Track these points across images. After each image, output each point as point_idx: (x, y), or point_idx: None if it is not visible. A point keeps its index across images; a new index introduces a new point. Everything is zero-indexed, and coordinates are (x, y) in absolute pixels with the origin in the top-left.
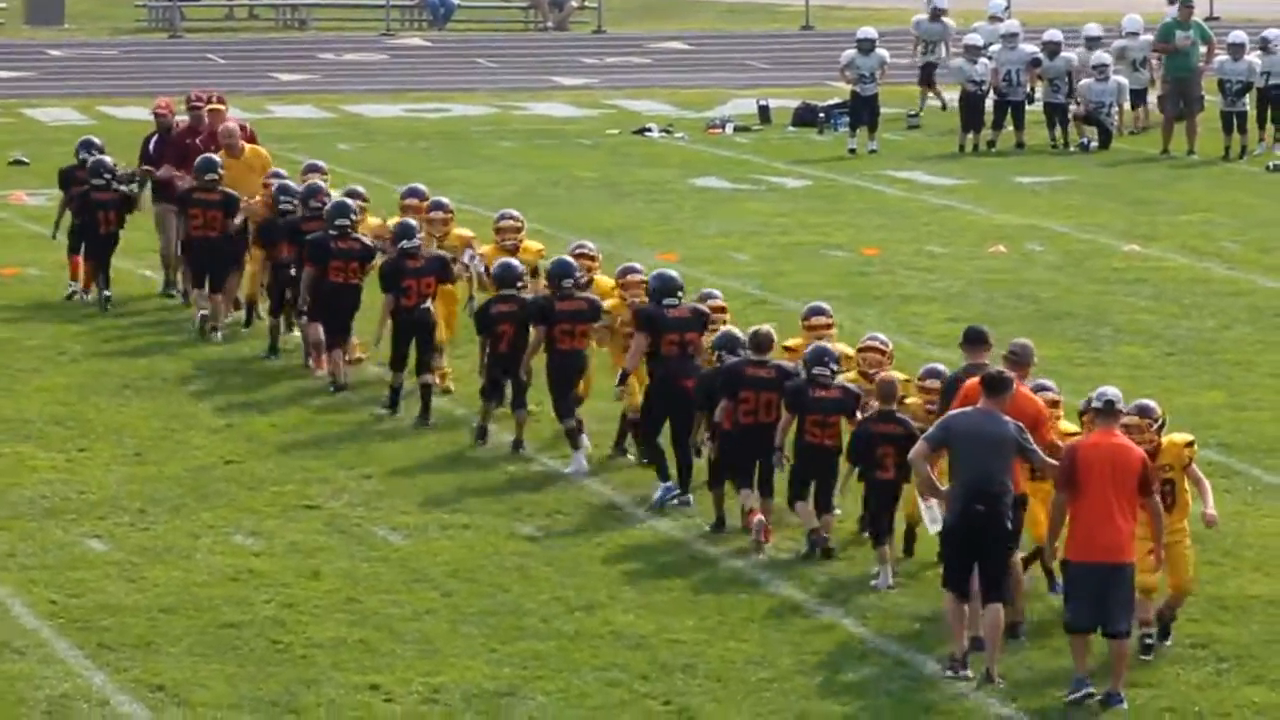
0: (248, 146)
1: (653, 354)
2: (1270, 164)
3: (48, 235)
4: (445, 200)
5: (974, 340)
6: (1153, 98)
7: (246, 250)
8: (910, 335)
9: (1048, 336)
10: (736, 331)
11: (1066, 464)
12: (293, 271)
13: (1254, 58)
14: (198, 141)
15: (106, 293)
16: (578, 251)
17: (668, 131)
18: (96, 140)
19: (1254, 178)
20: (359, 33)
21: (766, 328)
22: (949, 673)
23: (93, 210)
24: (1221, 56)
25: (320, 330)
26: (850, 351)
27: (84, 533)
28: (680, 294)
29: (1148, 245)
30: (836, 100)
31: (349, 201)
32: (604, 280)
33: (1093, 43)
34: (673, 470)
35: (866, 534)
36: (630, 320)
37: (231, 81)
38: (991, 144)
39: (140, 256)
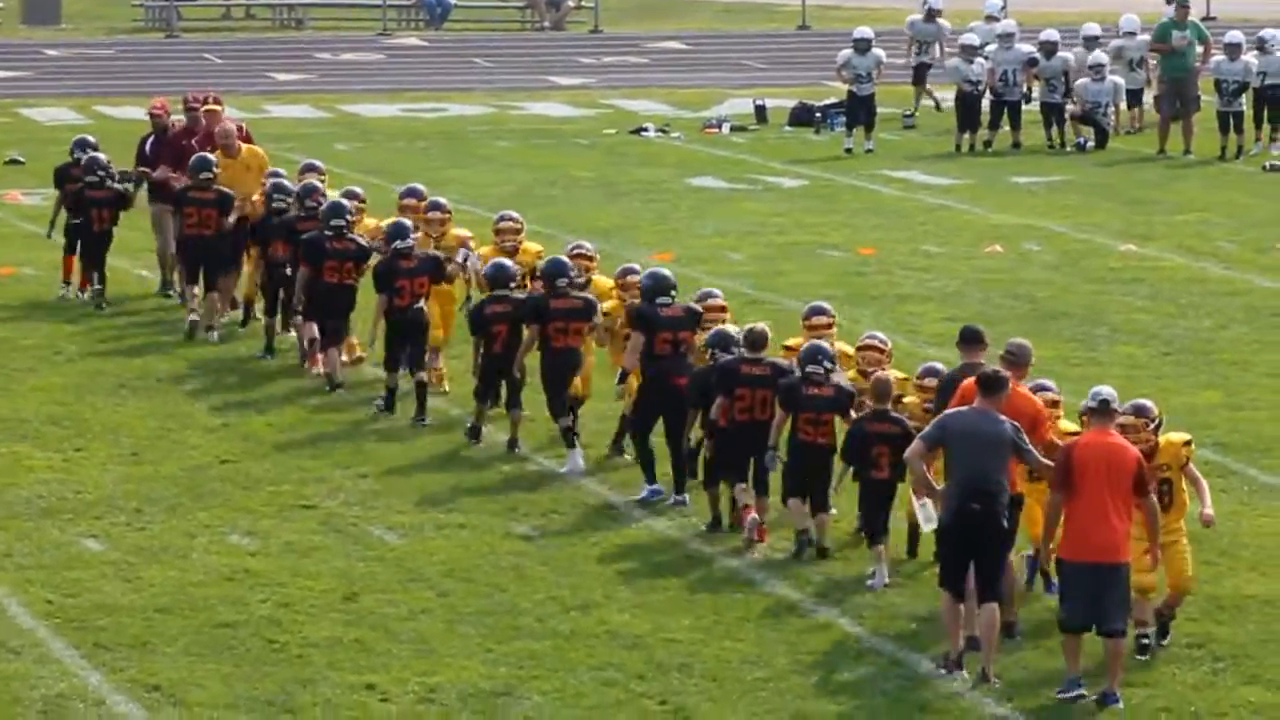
0: (244, 147)
1: (646, 352)
2: (1266, 164)
3: (43, 235)
4: (443, 200)
5: (970, 340)
6: (1149, 98)
7: (244, 250)
8: (906, 335)
9: (1044, 336)
10: (730, 330)
11: (1061, 464)
12: (288, 270)
13: (1250, 58)
14: (194, 142)
15: (99, 286)
16: (575, 252)
17: (664, 131)
18: (91, 139)
19: (1250, 178)
20: (356, 32)
21: (761, 326)
22: (943, 670)
23: (86, 207)
24: (1218, 56)
25: (314, 329)
26: (850, 350)
27: (80, 532)
28: (673, 293)
29: (1144, 245)
30: (833, 100)
31: (344, 202)
32: (602, 281)
33: (1091, 42)
34: (667, 469)
35: (863, 534)
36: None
37: (228, 81)
38: (988, 144)
39: (137, 256)
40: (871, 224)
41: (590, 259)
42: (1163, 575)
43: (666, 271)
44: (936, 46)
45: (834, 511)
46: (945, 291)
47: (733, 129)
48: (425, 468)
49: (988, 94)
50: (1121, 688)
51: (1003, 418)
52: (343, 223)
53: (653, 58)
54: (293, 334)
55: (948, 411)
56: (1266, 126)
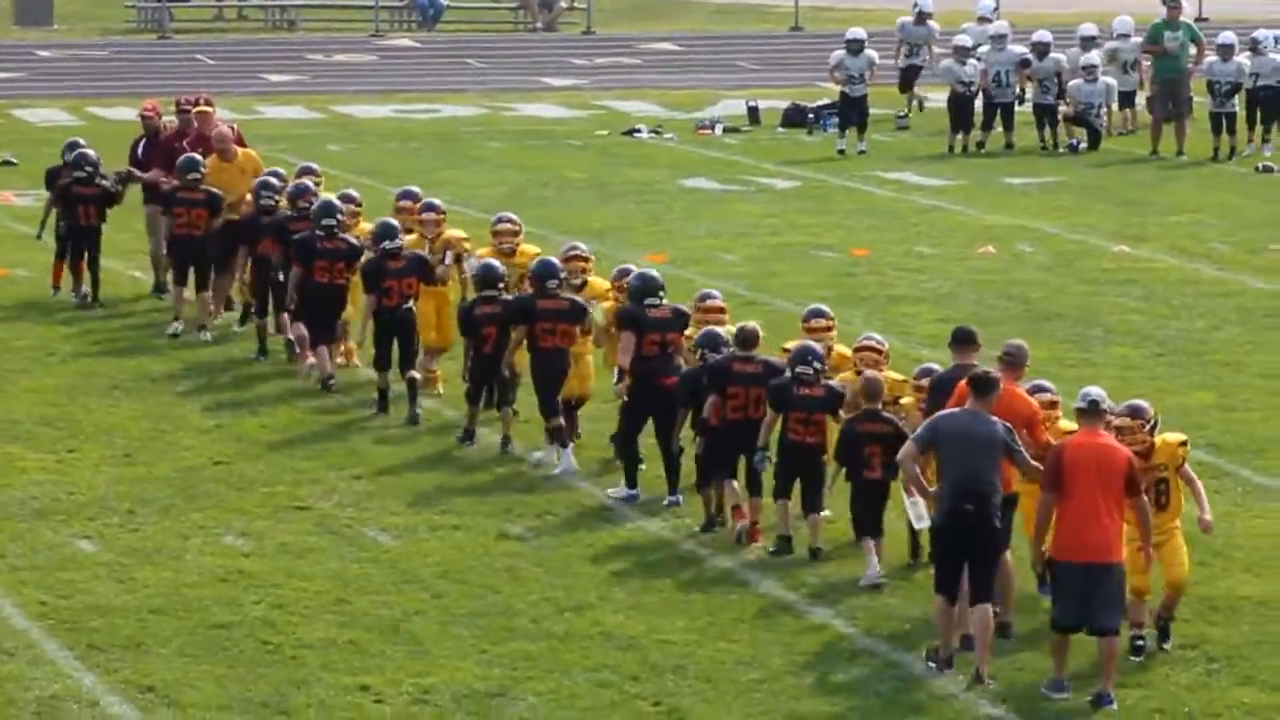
0: (239, 150)
1: (634, 353)
2: (1259, 165)
3: (34, 236)
4: (437, 202)
5: (963, 341)
6: (1141, 99)
7: (234, 254)
8: (900, 336)
9: (1038, 337)
10: (720, 330)
11: (1052, 464)
12: (281, 278)
13: (1243, 59)
14: (185, 144)
15: (85, 290)
16: (571, 254)
17: (657, 132)
18: (83, 142)
19: (1243, 179)
20: (348, 33)
21: (752, 324)
22: (932, 665)
23: (73, 203)
24: (1210, 57)
25: (303, 327)
26: (847, 352)
27: (73, 534)
28: (662, 294)
29: (1137, 246)
30: (826, 101)
31: (335, 201)
32: (598, 282)
33: (1087, 43)
34: (661, 472)
35: (855, 531)
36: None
37: (221, 82)
38: (981, 145)
39: (130, 258)
40: (865, 225)
41: (586, 260)
42: (1159, 575)
43: (655, 273)
44: (926, 49)
45: (828, 513)
46: (939, 293)
47: (726, 130)
48: (419, 469)
49: (980, 95)
50: (1116, 689)
51: (994, 419)
52: (334, 222)
53: (645, 59)
54: (289, 335)
55: (939, 413)
56: (1259, 128)
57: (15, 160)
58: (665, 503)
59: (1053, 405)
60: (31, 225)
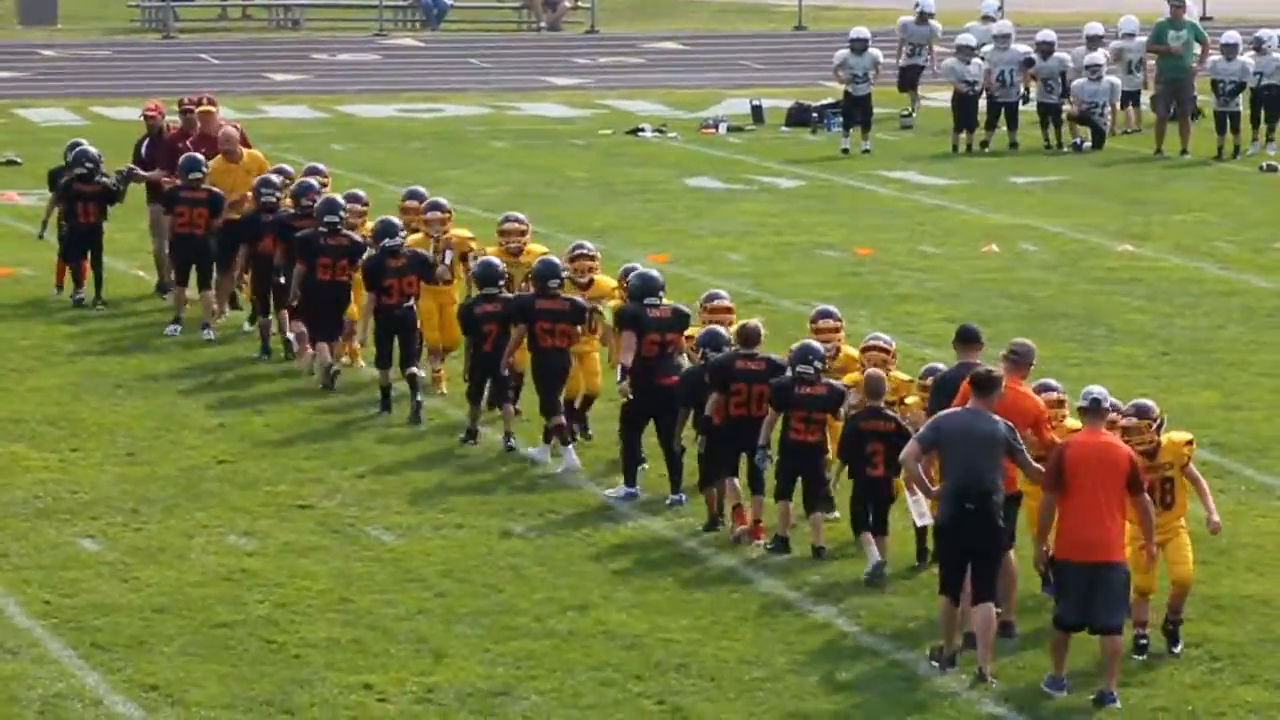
0: (245, 151)
1: (635, 353)
2: (1263, 164)
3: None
4: (442, 200)
5: (967, 339)
6: (1145, 98)
7: (235, 253)
8: (904, 335)
9: (1042, 336)
10: (721, 329)
11: (1054, 463)
12: (281, 280)
13: (1247, 58)
14: (188, 144)
15: (81, 293)
16: (577, 253)
17: (661, 131)
18: (85, 142)
19: (1247, 178)
20: (352, 33)
21: (754, 322)
22: (934, 663)
23: (72, 200)
24: (1214, 56)
25: (301, 325)
26: (855, 354)
27: (77, 532)
28: (661, 293)
29: (1141, 245)
30: (830, 100)
31: (338, 198)
32: (605, 281)
33: (1094, 42)
34: (664, 471)
35: (854, 528)
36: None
37: (224, 82)
38: (985, 144)
39: (133, 257)
40: (869, 224)
41: (592, 259)
42: (1164, 575)
43: (655, 272)
44: (927, 49)
45: (836, 515)
46: (943, 291)
47: (729, 129)
48: (422, 468)
49: (984, 94)
50: (1119, 687)
51: (996, 417)
52: (336, 219)
53: (649, 58)
54: (289, 335)
55: (941, 412)
56: (1263, 127)
57: (19, 160)
58: (668, 502)
59: (1059, 404)
60: (35, 225)
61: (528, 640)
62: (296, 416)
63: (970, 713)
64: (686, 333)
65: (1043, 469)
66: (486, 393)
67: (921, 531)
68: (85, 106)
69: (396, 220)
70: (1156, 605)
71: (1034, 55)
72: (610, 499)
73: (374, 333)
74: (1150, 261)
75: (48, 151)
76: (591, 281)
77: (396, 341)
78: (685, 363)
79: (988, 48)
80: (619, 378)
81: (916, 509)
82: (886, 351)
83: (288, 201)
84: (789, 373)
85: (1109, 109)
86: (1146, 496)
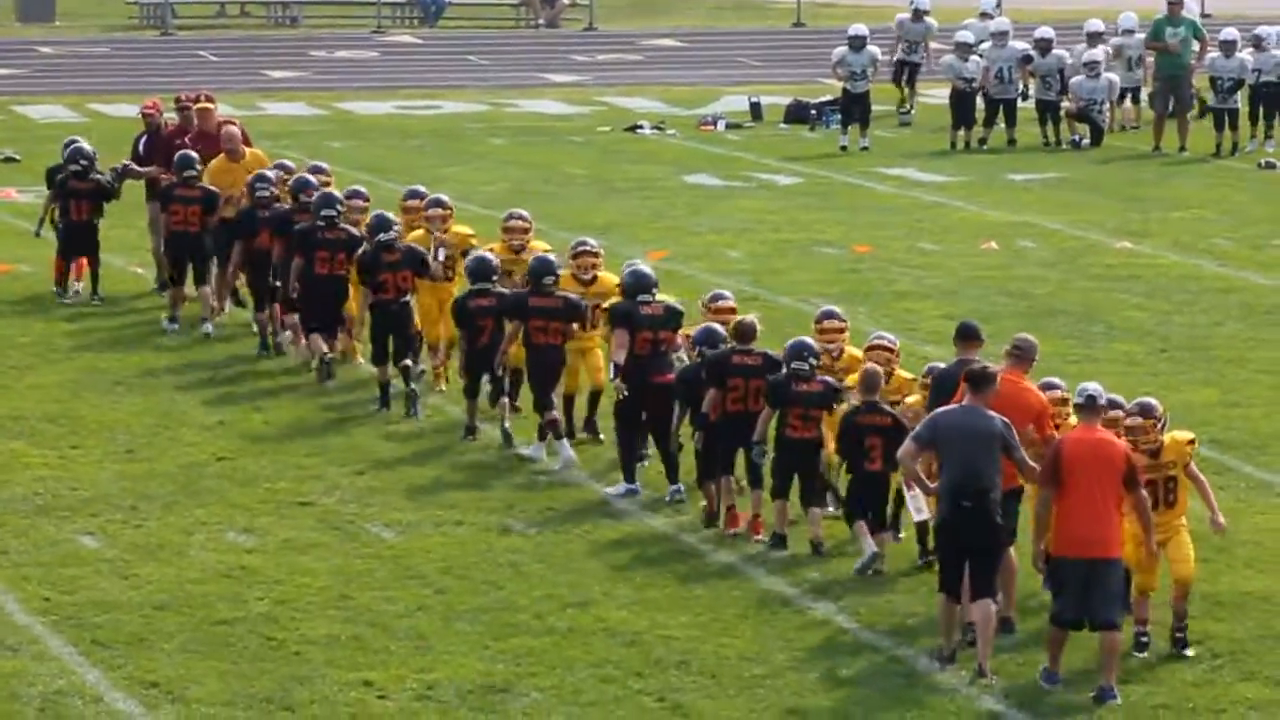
0: (247, 150)
1: (628, 350)
2: (1262, 161)
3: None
4: (444, 197)
5: (966, 336)
6: (1143, 95)
7: (229, 251)
8: (904, 332)
9: (1040, 333)
10: (717, 326)
11: (1050, 460)
12: (277, 282)
13: (1246, 55)
14: (186, 141)
15: (76, 289)
16: (580, 249)
17: (659, 128)
18: (80, 140)
19: (1245, 175)
20: (350, 30)
21: (750, 318)
22: (936, 664)
23: (66, 197)
24: (1213, 53)
25: (295, 318)
26: (859, 354)
27: (77, 530)
28: (654, 291)
29: (1140, 242)
30: (828, 97)
31: (335, 193)
32: (608, 277)
33: (1095, 39)
34: (663, 469)
35: (846, 518)
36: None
37: (223, 79)
38: (983, 141)
39: (132, 254)
40: (867, 221)
41: (595, 255)
42: (1164, 573)
43: (648, 269)
44: (923, 46)
45: (831, 509)
46: (941, 289)
47: (728, 126)
48: (422, 465)
49: (982, 91)
50: (1120, 684)
51: (992, 414)
52: (334, 213)
53: (647, 55)
54: (288, 334)
55: (938, 410)
56: (1262, 124)
57: (18, 156)
58: (668, 494)
59: (1063, 402)
60: (34, 222)
61: (527, 637)
62: (296, 413)
63: (970, 709)
64: (683, 331)
65: (1037, 468)
66: (484, 389)
67: (922, 527)
68: (83, 103)
69: (391, 215)
70: (1157, 603)
71: (1032, 52)
72: (611, 496)
73: (370, 328)
74: (1149, 258)
75: (46, 149)
76: (595, 278)
77: (391, 337)
78: (684, 360)
79: (986, 44)
80: (611, 375)
81: (914, 505)
82: (891, 350)
83: (287, 197)
84: (783, 369)
85: (1107, 106)
86: (1143, 493)
